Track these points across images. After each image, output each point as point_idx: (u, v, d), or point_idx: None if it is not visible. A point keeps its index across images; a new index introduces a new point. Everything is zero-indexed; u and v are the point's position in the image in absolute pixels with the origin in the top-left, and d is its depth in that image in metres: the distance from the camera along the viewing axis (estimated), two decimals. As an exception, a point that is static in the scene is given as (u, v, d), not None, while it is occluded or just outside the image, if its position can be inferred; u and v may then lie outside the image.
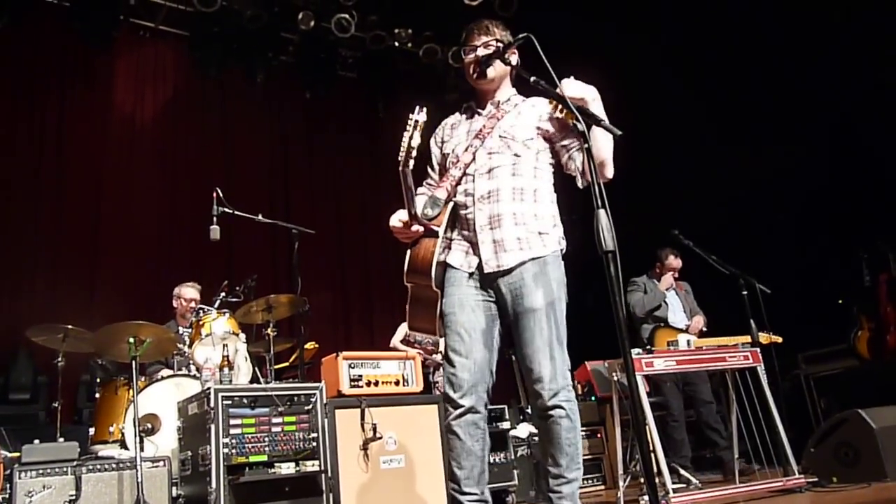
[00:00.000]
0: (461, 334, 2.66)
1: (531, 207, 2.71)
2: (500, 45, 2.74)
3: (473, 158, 2.76)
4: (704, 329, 5.70)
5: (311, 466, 3.87)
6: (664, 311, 5.76)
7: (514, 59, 2.74)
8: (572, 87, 2.55)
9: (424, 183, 2.99)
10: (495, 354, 2.74)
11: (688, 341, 4.33)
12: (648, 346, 5.36)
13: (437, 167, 2.96)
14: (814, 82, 6.54)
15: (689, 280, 6.02)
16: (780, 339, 4.96)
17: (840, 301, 6.74)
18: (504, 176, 2.71)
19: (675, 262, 5.84)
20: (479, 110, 2.89)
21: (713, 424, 5.36)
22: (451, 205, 2.74)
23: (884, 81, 6.17)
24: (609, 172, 2.66)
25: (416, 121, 2.49)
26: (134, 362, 3.84)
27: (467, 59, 2.83)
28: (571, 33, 6.74)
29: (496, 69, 2.78)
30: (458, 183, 2.77)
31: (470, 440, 2.63)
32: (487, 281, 2.70)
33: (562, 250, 2.75)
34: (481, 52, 2.78)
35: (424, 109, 2.51)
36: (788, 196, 6.83)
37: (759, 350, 4.37)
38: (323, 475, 3.92)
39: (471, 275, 2.72)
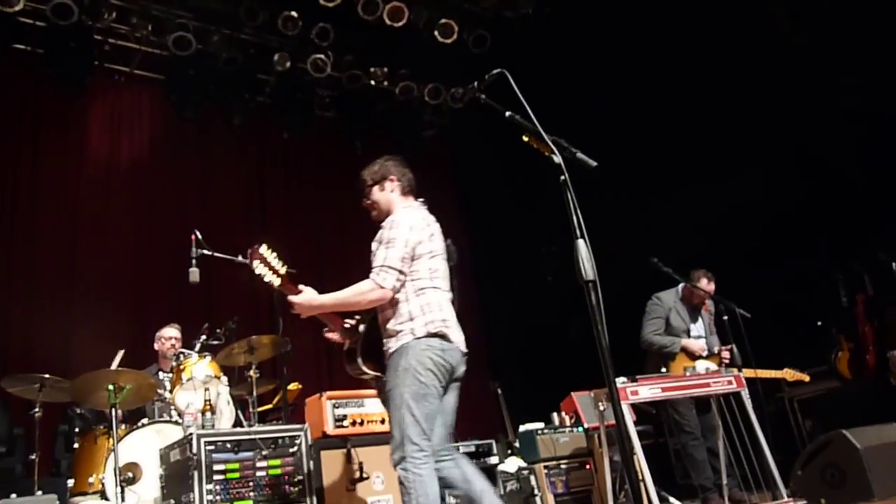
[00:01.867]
0: None
1: (390, 313, 3.28)
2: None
3: None
4: (727, 361, 5.16)
5: (297, 510, 3.81)
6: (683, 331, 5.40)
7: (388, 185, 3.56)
8: None
9: None
10: None
11: (707, 369, 4.31)
12: (664, 370, 5.21)
13: None
14: (787, 108, 6.69)
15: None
16: (806, 378, 4.88)
17: (819, 323, 6.81)
18: None
19: (708, 286, 5.30)
20: None
21: (717, 450, 5.27)
22: None
23: (851, 107, 6.34)
24: (371, 300, 3.25)
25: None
26: (113, 410, 3.77)
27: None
28: (545, 66, 6.87)
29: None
30: None
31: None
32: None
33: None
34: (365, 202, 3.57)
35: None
36: (763, 221, 6.93)
37: (742, 375, 4.39)
38: (310, 518, 3.86)
39: None
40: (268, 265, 3.24)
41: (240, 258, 4.81)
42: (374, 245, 3.36)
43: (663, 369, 5.27)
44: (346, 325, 3.45)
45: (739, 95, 6.88)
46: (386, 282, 3.20)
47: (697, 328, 5.48)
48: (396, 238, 3.29)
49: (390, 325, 3.25)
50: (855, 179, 6.53)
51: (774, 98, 6.73)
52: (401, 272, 3.23)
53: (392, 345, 3.22)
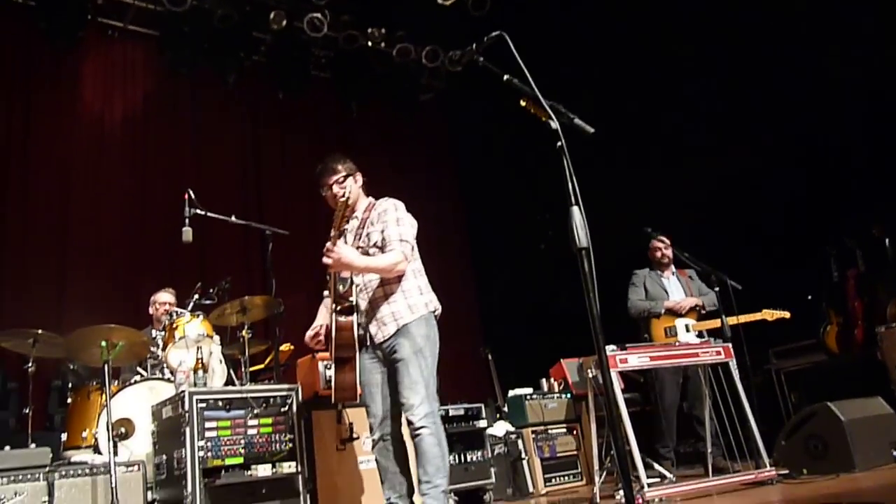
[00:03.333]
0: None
1: (398, 287, 3.48)
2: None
3: None
4: (704, 310, 5.50)
5: (287, 468, 3.86)
6: (663, 298, 5.65)
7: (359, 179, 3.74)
8: None
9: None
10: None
11: (686, 326, 4.34)
12: (646, 336, 5.50)
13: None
14: (781, 83, 6.65)
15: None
16: (786, 314, 5.00)
17: (809, 297, 6.86)
18: None
19: (655, 244, 5.76)
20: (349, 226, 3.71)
21: (703, 419, 5.40)
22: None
23: (849, 81, 6.30)
24: (394, 271, 3.43)
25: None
26: (106, 366, 3.79)
27: (324, 195, 3.74)
28: (545, 32, 6.79)
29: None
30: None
31: (383, 461, 3.46)
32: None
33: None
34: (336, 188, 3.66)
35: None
36: (759, 194, 6.94)
37: (730, 346, 4.43)
38: (300, 476, 3.91)
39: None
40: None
41: (233, 218, 4.81)
42: (375, 224, 3.52)
43: (645, 336, 5.52)
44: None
45: (739, 67, 6.83)
46: (408, 255, 3.45)
47: (675, 292, 5.68)
48: (405, 218, 3.55)
49: (406, 298, 3.46)
50: (852, 154, 6.51)
51: (774, 70, 6.68)
52: (412, 248, 3.50)
53: (406, 316, 3.42)
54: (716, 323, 5.10)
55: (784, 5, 6.43)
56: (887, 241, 6.07)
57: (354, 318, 3.43)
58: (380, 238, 3.50)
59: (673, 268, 5.83)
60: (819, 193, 6.60)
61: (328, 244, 3.34)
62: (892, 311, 5.74)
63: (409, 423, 3.33)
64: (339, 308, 3.44)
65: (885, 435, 4.44)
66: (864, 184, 6.29)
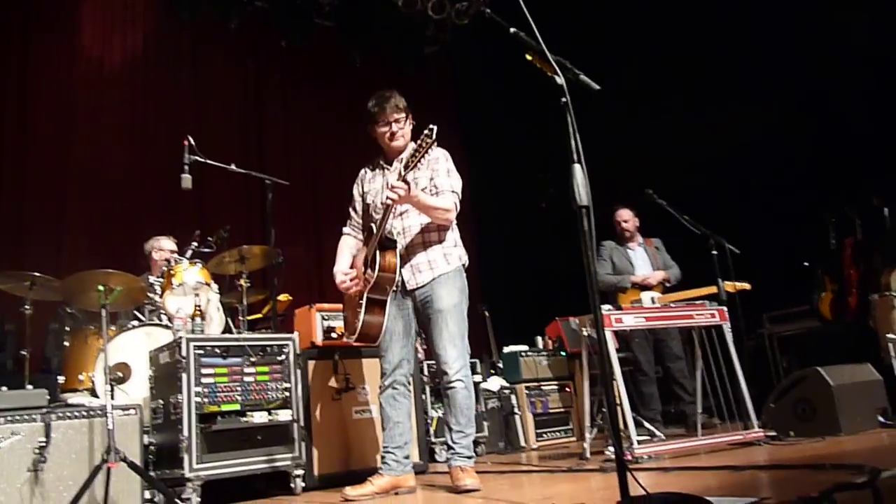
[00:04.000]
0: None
1: (436, 236, 3.54)
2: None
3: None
4: (669, 283, 5.65)
5: (283, 416, 3.91)
6: (629, 271, 5.78)
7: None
8: None
9: (349, 223, 3.89)
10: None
11: (651, 298, 4.39)
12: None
13: (359, 210, 3.83)
14: (788, 48, 6.56)
15: (662, 238, 6.06)
16: (747, 286, 5.05)
17: (806, 263, 6.88)
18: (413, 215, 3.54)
19: (616, 217, 5.86)
20: (388, 167, 3.69)
21: (680, 380, 5.47)
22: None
23: (860, 48, 6.21)
24: (447, 217, 3.50)
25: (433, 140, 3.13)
26: (104, 310, 3.81)
27: (382, 130, 3.63)
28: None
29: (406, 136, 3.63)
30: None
31: (389, 409, 3.52)
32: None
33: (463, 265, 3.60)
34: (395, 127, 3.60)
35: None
36: (760, 160, 6.90)
37: (725, 309, 4.46)
38: (295, 424, 3.97)
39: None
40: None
41: (233, 166, 4.78)
42: (424, 170, 3.48)
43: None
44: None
45: (746, 30, 6.73)
46: (457, 206, 3.54)
47: (641, 265, 5.79)
48: (454, 170, 3.61)
49: (443, 247, 3.54)
50: (856, 123, 6.46)
51: (782, 34, 6.58)
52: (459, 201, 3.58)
53: (441, 266, 3.50)
54: (680, 295, 5.24)
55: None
56: (886, 210, 6.07)
57: (398, 261, 3.44)
58: (428, 184, 3.51)
59: (640, 238, 5.92)
60: (821, 161, 6.57)
61: (394, 180, 3.31)
62: (886, 279, 5.76)
63: (444, 373, 3.43)
64: (385, 249, 3.43)
65: (872, 401, 4.51)
66: (867, 153, 6.25)
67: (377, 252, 3.44)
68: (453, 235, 3.63)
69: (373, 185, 3.74)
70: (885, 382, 4.66)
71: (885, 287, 5.61)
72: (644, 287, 5.50)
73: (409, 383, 3.64)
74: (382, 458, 3.53)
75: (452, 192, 3.54)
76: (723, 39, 6.84)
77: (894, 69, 6.04)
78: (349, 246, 3.84)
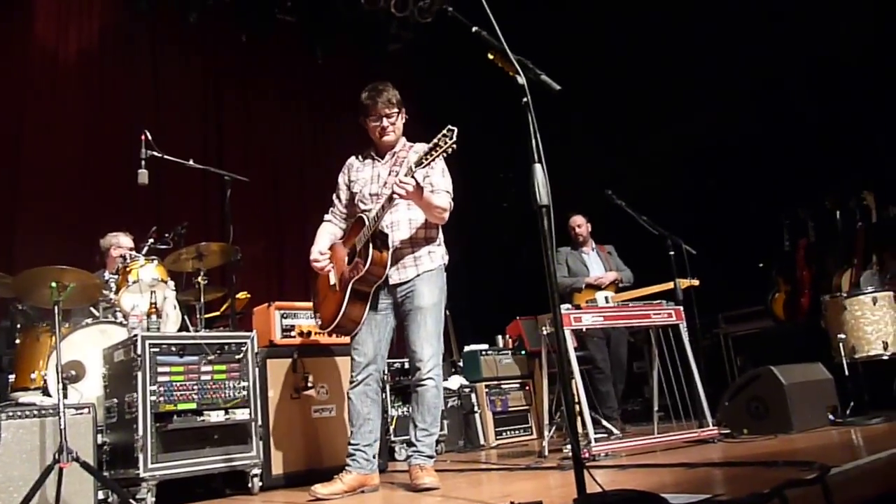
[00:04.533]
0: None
1: (422, 233, 3.55)
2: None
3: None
4: (621, 284, 5.82)
5: (241, 415, 3.87)
6: (584, 274, 5.91)
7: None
8: None
9: (331, 210, 3.83)
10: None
11: (606, 297, 4.45)
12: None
13: (343, 200, 3.78)
14: (741, 52, 6.70)
15: (619, 238, 6.16)
16: (696, 283, 5.15)
17: (760, 265, 7.04)
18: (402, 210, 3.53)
19: (571, 223, 6.02)
20: (378, 158, 3.68)
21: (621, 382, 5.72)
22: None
23: (810, 51, 6.38)
24: (443, 216, 3.52)
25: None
26: (57, 307, 3.71)
27: (374, 125, 3.60)
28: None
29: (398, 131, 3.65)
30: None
31: (359, 405, 3.50)
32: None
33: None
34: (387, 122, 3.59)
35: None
36: (717, 162, 7.04)
37: (681, 308, 4.54)
38: (253, 423, 3.93)
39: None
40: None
41: (191, 162, 4.70)
42: (420, 168, 3.28)
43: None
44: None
45: (701, 32, 6.85)
46: (451, 206, 3.56)
47: (595, 268, 5.97)
48: (446, 170, 3.62)
49: (428, 245, 3.58)
50: (809, 126, 6.63)
51: (734, 39, 6.72)
52: None
53: (426, 263, 3.54)
54: (632, 294, 5.46)
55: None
56: (838, 213, 6.24)
57: (389, 256, 3.42)
58: (422, 181, 3.44)
59: (593, 244, 6.10)
60: (775, 164, 6.73)
61: (402, 175, 3.25)
62: (838, 281, 5.93)
63: (417, 370, 3.44)
64: (378, 242, 3.40)
65: (823, 399, 4.63)
66: (820, 156, 6.42)
67: (369, 245, 3.38)
68: (438, 234, 3.67)
69: (361, 175, 3.69)
70: (835, 381, 4.79)
71: (836, 288, 5.77)
72: (598, 287, 5.64)
73: (381, 381, 3.62)
74: (351, 454, 3.48)
75: (447, 192, 3.55)
76: (678, 41, 6.96)
77: (847, 72, 6.21)
78: (329, 232, 3.79)
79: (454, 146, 3.09)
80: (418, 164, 3.18)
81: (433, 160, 3.15)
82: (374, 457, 3.53)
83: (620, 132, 7.36)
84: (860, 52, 6.09)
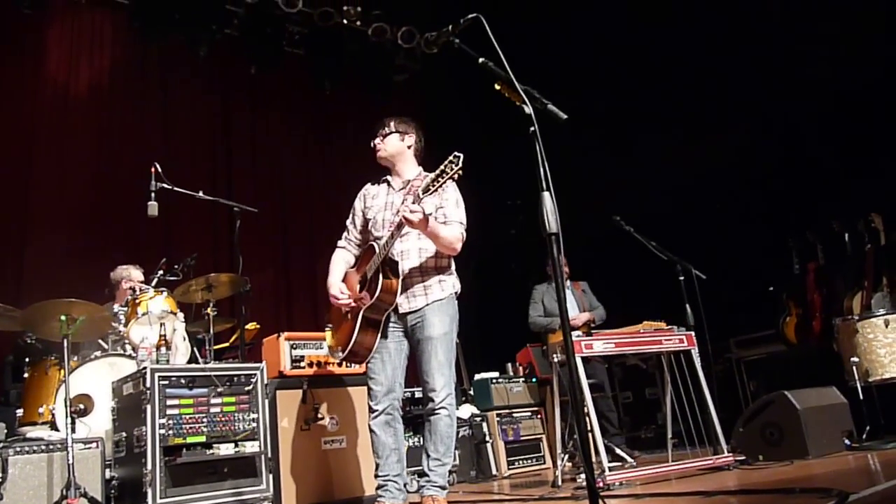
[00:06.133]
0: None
1: (433, 262, 3.55)
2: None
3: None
4: (594, 324, 5.89)
5: (250, 447, 3.85)
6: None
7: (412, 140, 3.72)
8: None
9: (345, 237, 3.84)
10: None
11: (578, 335, 4.41)
12: (544, 347, 6.04)
13: (358, 225, 3.78)
14: (752, 76, 6.74)
15: (627, 266, 6.15)
16: (664, 325, 4.98)
17: (770, 288, 7.00)
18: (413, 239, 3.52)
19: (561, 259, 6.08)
20: (393, 186, 3.69)
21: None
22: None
23: (819, 78, 6.40)
24: (454, 247, 3.51)
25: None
26: (66, 341, 3.72)
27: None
28: (523, 19, 6.77)
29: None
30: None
31: (384, 436, 3.46)
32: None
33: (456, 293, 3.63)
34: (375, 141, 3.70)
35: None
36: (726, 188, 7.04)
37: (693, 334, 4.50)
38: (263, 456, 3.89)
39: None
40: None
41: (200, 193, 4.73)
42: (433, 197, 3.35)
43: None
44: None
45: (711, 60, 6.89)
46: (464, 237, 3.56)
47: (570, 307, 5.89)
48: (461, 201, 3.62)
49: (439, 274, 3.57)
50: (817, 150, 6.64)
51: (745, 65, 6.76)
52: None
53: (436, 292, 3.53)
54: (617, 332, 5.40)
55: (759, 4, 6.51)
56: (846, 235, 6.22)
57: (399, 283, 3.42)
58: (434, 211, 3.47)
59: (569, 282, 6.18)
60: (784, 188, 6.72)
61: (410, 201, 3.25)
62: (848, 303, 5.88)
63: (430, 400, 3.41)
64: (388, 270, 3.40)
65: (838, 423, 4.57)
66: (828, 180, 6.42)
67: (379, 272, 3.38)
68: (450, 263, 3.65)
69: (376, 202, 3.70)
70: (850, 405, 4.73)
71: (847, 311, 5.72)
72: (572, 328, 5.61)
73: (400, 409, 3.58)
74: (382, 486, 3.44)
75: (460, 223, 3.55)
76: (688, 69, 7.00)
77: (854, 99, 6.23)
78: (344, 259, 3.78)
79: (460, 172, 3.09)
80: (425, 190, 3.17)
81: (440, 186, 3.14)
82: (405, 486, 3.51)
83: (630, 158, 7.37)
84: (869, 78, 6.11)
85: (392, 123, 3.70)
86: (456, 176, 3.10)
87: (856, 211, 6.11)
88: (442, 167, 3.12)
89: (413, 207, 3.21)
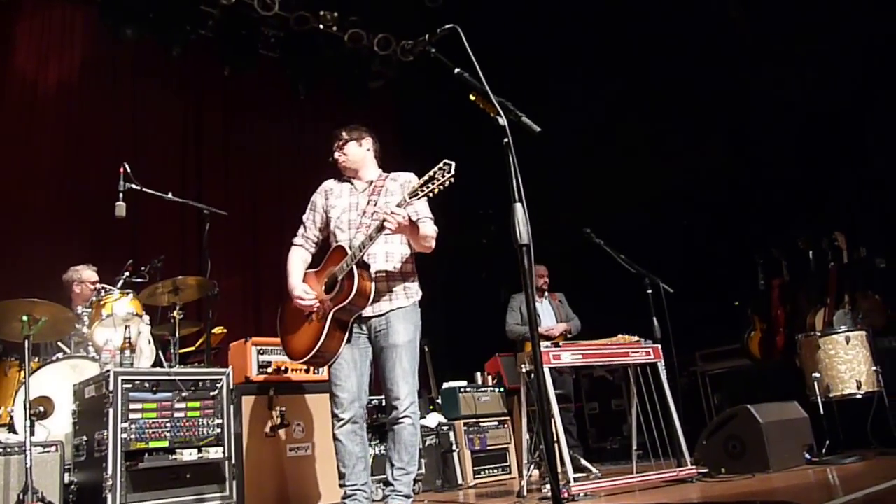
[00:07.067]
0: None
1: (399, 266, 3.52)
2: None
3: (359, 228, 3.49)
4: (570, 334, 6.01)
5: (214, 453, 3.80)
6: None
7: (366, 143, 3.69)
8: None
9: (302, 235, 3.77)
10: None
11: (555, 345, 4.46)
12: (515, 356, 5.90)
13: (318, 223, 3.73)
14: (721, 95, 6.86)
15: (597, 278, 6.21)
16: (636, 338, 5.02)
17: (736, 303, 7.12)
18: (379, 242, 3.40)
19: (538, 269, 6.22)
20: (356, 187, 3.67)
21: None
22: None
23: (787, 98, 6.55)
24: (431, 245, 3.52)
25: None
26: (27, 342, 3.64)
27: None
28: (500, 31, 6.82)
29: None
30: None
31: (351, 445, 3.41)
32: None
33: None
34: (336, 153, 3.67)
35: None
36: (695, 204, 7.15)
37: (659, 347, 4.55)
38: (227, 462, 3.85)
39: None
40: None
41: (170, 195, 4.68)
42: (396, 195, 3.40)
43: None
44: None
45: (682, 79, 7.01)
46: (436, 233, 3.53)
47: (546, 317, 6.22)
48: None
49: (403, 280, 3.53)
50: (784, 170, 6.78)
51: (715, 83, 6.89)
52: None
53: (401, 299, 3.49)
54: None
55: (719, 25, 6.66)
56: (811, 253, 6.35)
57: (373, 287, 3.37)
58: (415, 214, 3.44)
59: (546, 293, 6.33)
60: (750, 205, 6.85)
61: (394, 208, 3.18)
62: (811, 320, 6.00)
63: (394, 408, 3.37)
64: (363, 272, 3.35)
65: (799, 438, 4.65)
66: (793, 199, 6.56)
67: (354, 275, 3.30)
68: (413, 269, 3.61)
69: (339, 202, 3.63)
70: (811, 420, 4.82)
71: (810, 327, 5.83)
72: (548, 338, 5.76)
73: (366, 417, 3.54)
74: (351, 496, 3.39)
75: (430, 218, 3.53)
76: (659, 89, 7.11)
77: (821, 120, 6.38)
78: (302, 259, 3.69)
79: (452, 180, 3.02)
80: (413, 195, 3.12)
81: (429, 193, 3.07)
82: (372, 493, 3.49)
83: (600, 173, 7.46)
84: (835, 100, 6.26)
85: (343, 133, 3.68)
86: (447, 184, 3.04)
87: (820, 229, 6.25)
88: (431, 173, 3.07)
89: (398, 211, 3.17)
